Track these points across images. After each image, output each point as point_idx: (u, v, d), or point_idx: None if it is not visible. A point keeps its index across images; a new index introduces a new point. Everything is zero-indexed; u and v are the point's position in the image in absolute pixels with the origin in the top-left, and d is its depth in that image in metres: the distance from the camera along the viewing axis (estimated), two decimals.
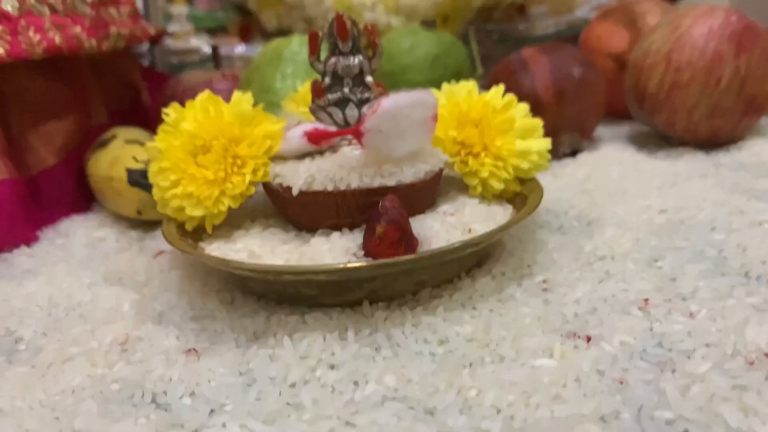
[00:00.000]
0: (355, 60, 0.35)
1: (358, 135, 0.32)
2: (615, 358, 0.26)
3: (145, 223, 0.46)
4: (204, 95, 0.36)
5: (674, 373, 0.24)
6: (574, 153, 0.54)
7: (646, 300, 0.29)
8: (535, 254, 0.35)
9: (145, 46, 0.72)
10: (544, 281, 0.32)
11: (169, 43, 0.73)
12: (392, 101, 0.32)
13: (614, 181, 0.47)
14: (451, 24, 0.75)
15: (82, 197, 0.51)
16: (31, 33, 0.45)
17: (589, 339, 0.27)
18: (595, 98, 0.55)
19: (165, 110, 0.36)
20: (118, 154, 0.46)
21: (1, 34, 0.44)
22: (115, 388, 0.26)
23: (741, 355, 0.25)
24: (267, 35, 0.74)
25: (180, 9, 0.73)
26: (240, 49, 0.75)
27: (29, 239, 0.44)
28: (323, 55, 0.35)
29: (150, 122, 0.59)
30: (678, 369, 0.24)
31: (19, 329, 0.32)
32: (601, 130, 0.62)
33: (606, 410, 0.23)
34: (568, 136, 0.54)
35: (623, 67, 0.63)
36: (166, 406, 0.25)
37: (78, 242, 0.44)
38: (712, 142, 0.53)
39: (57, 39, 0.47)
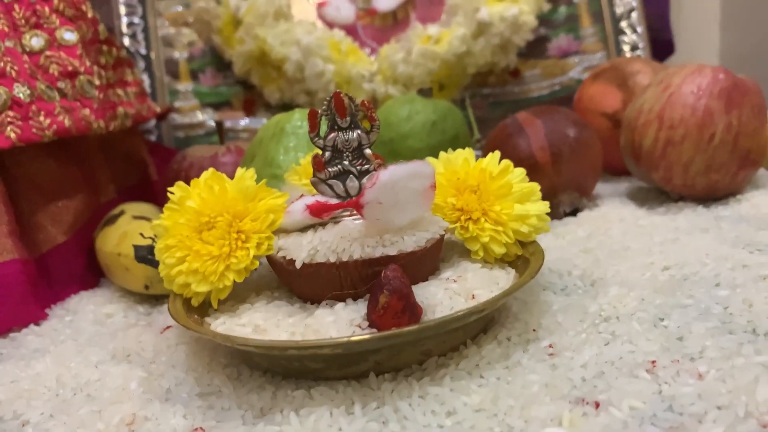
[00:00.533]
0: (354, 134, 0.36)
1: (358, 207, 0.33)
2: (625, 424, 0.25)
3: (152, 297, 0.46)
4: (208, 173, 0.37)
5: None
6: (574, 212, 0.55)
7: (654, 362, 0.29)
8: (540, 317, 0.35)
9: (151, 123, 0.74)
10: (550, 346, 0.32)
11: (175, 117, 0.75)
12: (390, 173, 0.32)
13: (616, 239, 0.47)
14: (447, 91, 0.77)
15: (91, 273, 0.51)
16: (41, 117, 0.47)
17: (597, 405, 0.27)
18: (591, 157, 0.56)
19: (170, 189, 0.37)
20: (125, 230, 0.47)
21: (13, 119, 0.45)
22: None
23: (753, 417, 0.25)
24: (270, 108, 0.76)
25: (185, 85, 0.76)
26: (244, 122, 0.77)
27: (38, 318, 0.45)
28: (323, 130, 0.36)
29: (157, 197, 0.60)
30: None
31: (27, 412, 0.32)
32: (601, 187, 0.63)
33: None
34: (568, 196, 0.55)
35: (618, 125, 0.64)
36: None
37: (86, 319, 0.44)
38: (711, 195, 0.53)
39: (66, 122, 0.48)
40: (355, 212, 0.36)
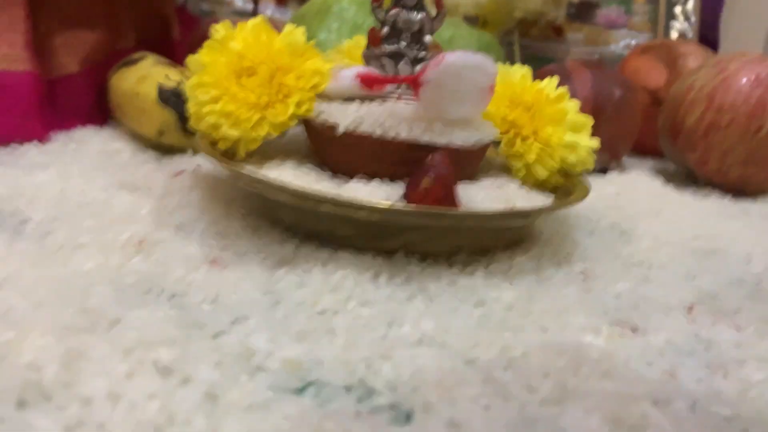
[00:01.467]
0: (418, 16, 0.34)
1: (416, 85, 0.31)
2: (662, 352, 0.24)
3: (163, 147, 0.43)
4: (256, 20, 0.34)
5: (727, 377, 0.23)
6: (603, 171, 0.53)
7: (691, 307, 0.28)
8: (572, 247, 0.34)
9: None
10: (583, 272, 0.31)
11: None
12: (457, 57, 0.30)
13: (644, 202, 0.46)
14: (490, 29, 0.75)
15: (99, 111, 0.48)
16: None
17: (635, 330, 0.26)
18: (630, 122, 0.54)
19: (214, 25, 0.34)
20: (148, 72, 0.44)
21: None
22: (130, 280, 0.24)
23: None
24: (303, 2, 0.73)
25: None
26: (270, 10, 0.74)
27: (41, 137, 0.42)
28: (386, 6, 0.34)
29: (176, 59, 0.57)
30: (731, 374, 0.23)
31: (27, 211, 0.30)
32: (627, 160, 0.62)
33: (659, 396, 0.21)
34: (600, 154, 0.53)
35: (657, 103, 0.62)
36: (185, 307, 0.23)
37: (92, 150, 0.41)
38: (741, 188, 0.52)
39: None
40: (404, 95, 0.33)
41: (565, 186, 0.36)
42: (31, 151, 0.39)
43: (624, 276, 0.31)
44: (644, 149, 0.65)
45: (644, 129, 0.62)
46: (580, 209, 0.41)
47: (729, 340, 0.26)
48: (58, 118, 0.45)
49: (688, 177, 0.56)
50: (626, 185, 0.50)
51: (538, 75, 0.56)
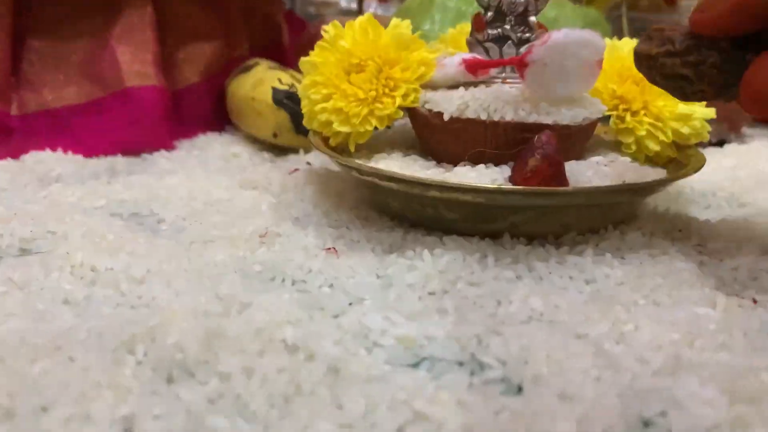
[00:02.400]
0: None
1: (522, 66, 0.31)
2: None
3: (277, 147, 0.46)
4: (364, 17, 0.36)
5: None
6: (720, 143, 0.51)
7: None
8: (687, 222, 0.33)
9: None
10: (699, 245, 0.30)
11: None
12: (564, 34, 0.30)
13: (765, 172, 0.43)
14: (596, 5, 0.72)
15: (218, 118, 0.52)
16: None
17: (755, 301, 0.25)
18: None
19: (324, 27, 0.36)
20: (262, 77, 0.47)
21: None
22: (257, 269, 0.27)
23: None
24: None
25: None
26: (373, 8, 0.75)
27: (167, 146, 0.46)
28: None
29: (286, 62, 0.60)
30: None
31: (162, 212, 0.33)
32: (748, 131, 0.58)
33: None
34: (716, 126, 0.51)
35: None
36: (307, 291, 0.25)
37: (213, 155, 0.45)
38: None
39: None
40: (509, 78, 0.34)
41: (679, 159, 0.35)
42: (160, 158, 0.44)
43: (743, 249, 0.30)
44: None
45: None
46: (695, 183, 0.40)
47: None
48: (182, 127, 0.49)
49: None
50: (746, 157, 0.47)
51: None
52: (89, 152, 0.45)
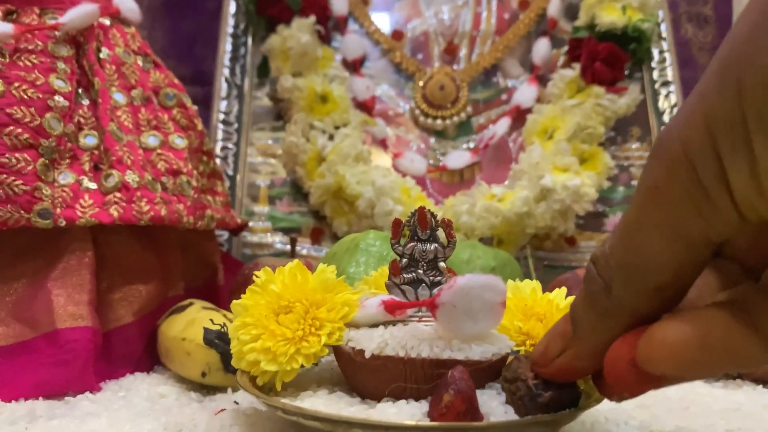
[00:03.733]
0: (432, 246, 0.39)
1: (433, 307, 0.34)
2: None
3: (205, 387, 0.46)
4: (293, 263, 0.39)
5: None
6: None
7: None
8: None
9: (224, 236, 0.78)
10: None
11: (247, 235, 0.79)
12: (467, 280, 0.34)
13: (672, 400, 0.46)
14: (505, 247, 0.80)
15: (148, 358, 0.53)
16: (142, 203, 0.51)
17: None
18: None
19: (256, 273, 0.39)
20: (194, 318, 0.48)
21: (119, 200, 0.50)
22: None
23: None
24: (336, 239, 0.80)
25: (262, 208, 0.81)
26: (308, 248, 0.81)
27: (93, 388, 0.46)
28: (403, 241, 0.39)
29: (220, 301, 0.63)
30: None
31: None
32: None
33: None
34: None
35: None
36: None
37: (139, 395, 0.44)
38: None
39: (162, 211, 0.52)
40: (424, 318, 0.37)
41: (587, 389, 0.38)
42: (83, 401, 0.43)
43: None
44: None
45: None
46: (607, 413, 0.42)
47: None
48: (110, 368, 0.49)
49: None
50: None
51: (552, 286, 0.60)
52: (8, 396, 0.44)
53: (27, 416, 0.41)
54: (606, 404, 0.43)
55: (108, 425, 0.37)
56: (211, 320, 0.46)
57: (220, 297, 0.65)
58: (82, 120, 0.51)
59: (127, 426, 0.37)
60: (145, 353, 0.53)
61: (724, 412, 0.43)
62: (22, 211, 0.46)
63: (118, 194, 0.50)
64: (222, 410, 0.40)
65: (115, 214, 0.49)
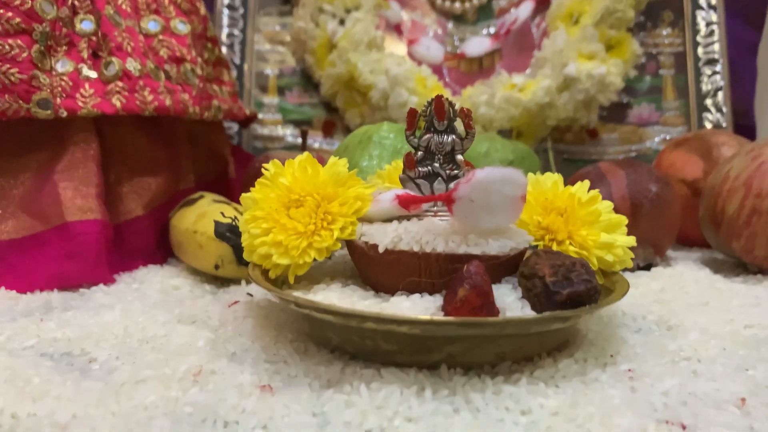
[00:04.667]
0: (449, 138, 0.37)
1: (449, 202, 0.33)
2: None
3: (219, 279, 0.46)
4: (303, 156, 0.37)
5: None
6: (648, 267, 0.53)
7: (743, 399, 0.28)
8: (617, 346, 0.34)
9: (234, 128, 0.76)
10: (629, 370, 0.31)
11: (257, 128, 0.77)
12: (486, 173, 0.32)
13: (692, 295, 0.46)
14: (524, 140, 0.77)
15: (160, 251, 0.52)
16: (146, 93, 0.49)
17: (684, 427, 0.25)
18: (670, 216, 0.55)
19: (264, 165, 0.37)
20: (205, 211, 0.47)
21: (121, 90, 0.48)
22: (188, 410, 0.26)
23: None
24: (348, 132, 0.78)
25: (271, 99, 0.78)
26: (320, 141, 0.79)
27: (107, 280, 0.46)
28: (418, 133, 0.37)
29: (233, 195, 0.62)
30: None
31: (94, 351, 0.32)
32: (673, 253, 0.61)
33: None
34: (642, 250, 0.53)
35: (696, 193, 0.63)
36: None
37: (153, 288, 0.44)
38: None
39: (167, 101, 0.50)
40: (440, 212, 0.36)
41: (606, 285, 0.37)
42: (97, 293, 0.43)
43: (672, 372, 0.31)
44: (690, 241, 0.65)
45: (687, 221, 0.62)
46: (625, 307, 0.41)
47: None
48: (123, 261, 0.49)
49: (737, 265, 0.55)
50: (672, 279, 0.49)
51: (573, 179, 0.58)
52: (24, 288, 0.44)
53: (43, 307, 0.41)
54: (623, 299, 0.42)
55: (122, 316, 0.37)
56: (222, 213, 0.46)
57: (232, 190, 0.63)
58: (76, 3, 0.48)
59: (141, 317, 0.37)
60: (157, 246, 0.52)
61: (743, 308, 0.43)
62: (21, 101, 0.44)
63: (119, 83, 0.48)
64: (235, 302, 0.40)
65: (118, 104, 0.47)
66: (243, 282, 0.45)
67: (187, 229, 0.47)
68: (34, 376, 0.28)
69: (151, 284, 0.45)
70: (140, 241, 0.51)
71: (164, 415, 0.25)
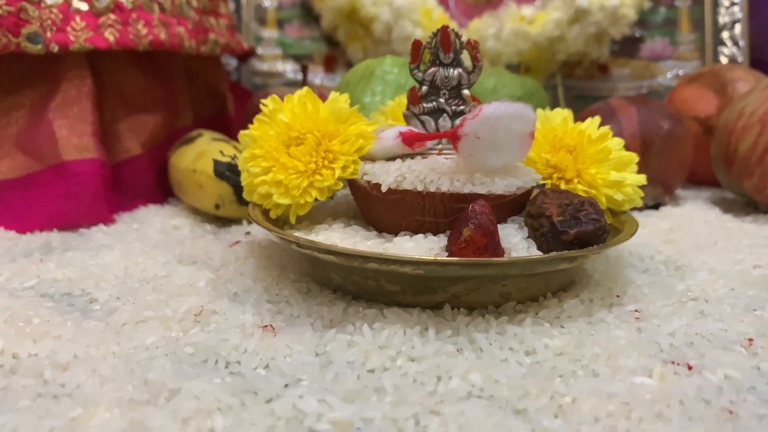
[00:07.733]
0: (455, 72, 0.35)
1: (455, 139, 0.32)
2: (720, 389, 0.24)
3: (219, 219, 0.46)
4: (302, 91, 0.36)
5: None
6: (656, 206, 0.53)
7: (750, 340, 0.27)
8: (624, 287, 0.33)
9: (232, 64, 0.74)
10: (636, 311, 0.30)
11: (256, 63, 0.75)
12: (493, 109, 0.31)
13: (701, 234, 0.45)
14: (533, 74, 0.75)
15: (160, 190, 0.51)
16: (140, 26, 0.47)
17: (690, 367, 0.25)
18: (681, 154, 0.54)
19: (263, 101, 0.36)
20: (204, 149, 0.46)
21: (114, 23, 0.46)
22: (189, 351, 0.26)
23: None
24: (350, 67, 0.76)
25: (270, 33, 0.76)
26: (321, 77, 0.77)
27: (106, 220, 0.45)
28: (423, 66, 0.36)
29: (232, 132, 0.60)
30: None
31: (95, 292, 0.32)
32: (682, 192, 0.60)
33: None
34: (652, 189, 0.52)
35: (709, 131, 0.61)
36: (240, 374, 0.24)
37: (153, 228, 0.44)
38: None
39: (162, 35, 0.48)
40: (445, 149, 0.35)
41: (614, 224, 0.36)
42: (97, 233, 0.42)
43: (679, 313, 0.30)
44: (700, 180, 0.63)
45: (699, 159, 0.60)
46: (632, 247, 0.41)
47: None
48: (123, 200, 0.48)
49: (747, 204, 0.54)
50: (681, 218, 0.49)
51: (582, 116, 0.57)
52: (23, 228, 0.43)
53: (43, 248, 0.40)
54: (631, 239, 0.41)
55: (122, 257, 0.37)
56: (221, 152, 0.44)
57: (231, 128, 0.62)
58: None
59: (141, 258, 0.37)
60: (157, 185, 0.52)
61: (753, 248, 0.42)
62: (10, 35, 0.42)
63: (112, 16, 0.46)
64: (237, 242, 0.39)
65: (111, 38, 0.45)
66: (244, 222, 0.45)
67: (186, 168, 0.46)
68: (34, 317, 0.28)
69: (151, 224, 0.45)
70: (139, 181, 0.50)
71: (165, 355, 0.25)
